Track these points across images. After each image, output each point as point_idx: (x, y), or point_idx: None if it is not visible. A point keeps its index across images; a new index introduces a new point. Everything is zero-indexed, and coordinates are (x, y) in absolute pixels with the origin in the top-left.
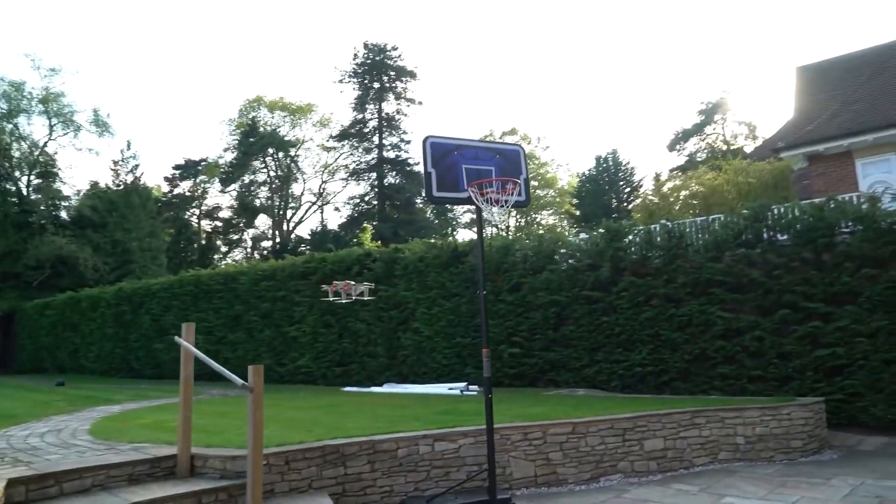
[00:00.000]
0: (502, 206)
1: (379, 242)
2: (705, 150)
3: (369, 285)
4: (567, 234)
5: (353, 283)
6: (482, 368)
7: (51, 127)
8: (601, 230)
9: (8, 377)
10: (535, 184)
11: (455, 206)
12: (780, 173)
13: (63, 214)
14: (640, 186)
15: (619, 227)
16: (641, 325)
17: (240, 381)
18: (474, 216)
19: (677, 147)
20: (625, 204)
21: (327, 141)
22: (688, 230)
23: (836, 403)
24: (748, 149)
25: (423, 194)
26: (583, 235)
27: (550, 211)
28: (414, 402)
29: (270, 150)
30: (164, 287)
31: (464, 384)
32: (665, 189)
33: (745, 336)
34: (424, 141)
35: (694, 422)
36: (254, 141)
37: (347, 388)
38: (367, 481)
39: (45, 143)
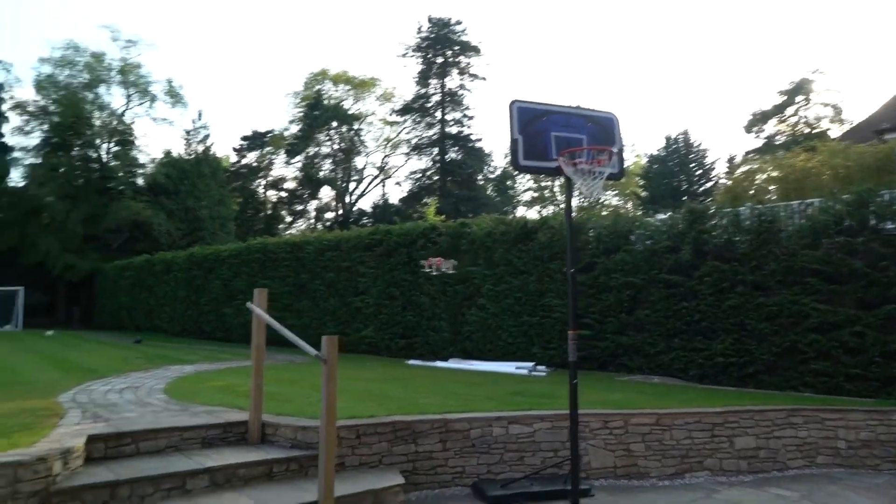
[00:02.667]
0: (595, 178)
1: (443, 217)
2: (786, 133)
3: (454, 262)
4: (634, 215)
5: (442, 259)
6: (549, 349)
7: (128, 97)
8: (683, 211)
9: (91, 332)
10: None
11: (516, 183)
12: (885, 156)
13: (139, 181)
14: (713, 169)
15: (703, 209)
16: (724, 312)
17: (313, 350)
18: (536, 194)
19: (755, 129)
20: (695, 187)
21: (390, 115)
22: (782, 214)
23: None
24: (833, 133)
25: (510, 160)
26: (660, 216)
27: (615, 192)
28: (483, 380)
29: (334, 123)
30: (232, 253)
31: (531, 364)
32: (740, 172)
33: (843, 331)
34: (511, 105)
35: (790, 421)
36: (318, 114)
37: (412, 362)
38: (438, 460)
39: (123, 112)
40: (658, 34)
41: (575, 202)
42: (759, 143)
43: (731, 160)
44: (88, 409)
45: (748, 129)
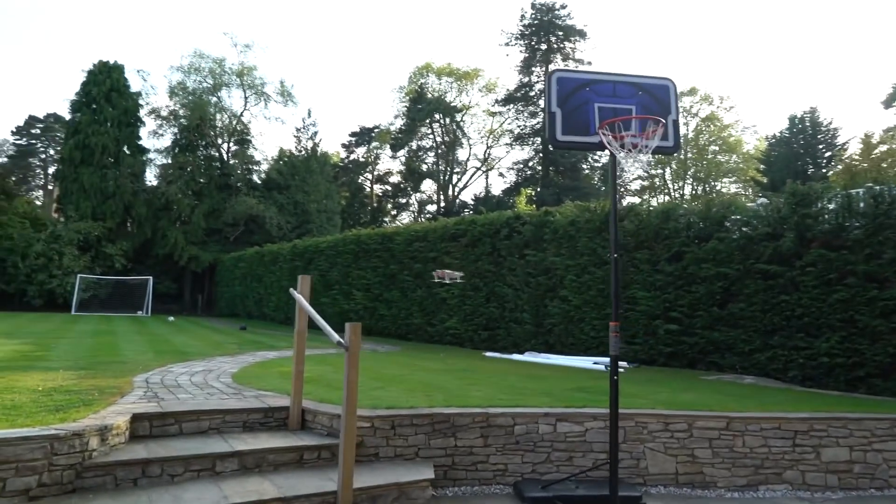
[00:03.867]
0: (642, 152)
1: (533, 206)
2: None
3: (460, 274)
4: (730, 199)
5: (448, 271)
6: (634, 343)
7: (245, 99)
8: (785, 193)
9: (210, 319)
10: (716, 148)
11: (625, 171)
12: None
13: (254, 178)
14: (845, 150)
15: (808, 191)
16: (831, 307)
17: (336, 337)
18: (645, 183)
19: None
20: (823, 170)
21: (493, 106)
22: None
23: None
24: None
25: (547, 136)
26: (761, 200)
27: (733, 178)
28: (552, 374)
29: (437, 116)
30: (329, 245)
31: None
32: (877, 153)
33: None
34: (549, 76)
35: (894, 432)
36: (421, 107)
37: (489, 354)
38: (479, 456)
39: (241, 113)
40: (780, 4)
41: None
42: None
43: (866, 139)
44: (153, 389)
45: (888, 103)
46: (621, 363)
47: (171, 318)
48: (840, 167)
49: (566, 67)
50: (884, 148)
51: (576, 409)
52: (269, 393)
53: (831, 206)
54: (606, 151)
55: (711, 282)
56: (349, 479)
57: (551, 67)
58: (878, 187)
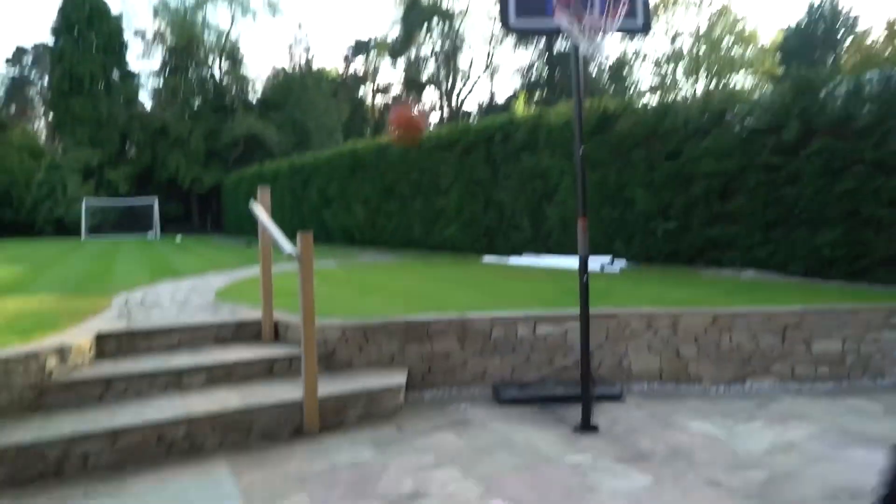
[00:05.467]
0: (604, 34)
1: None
2: None
3: None
4: (730, 90)
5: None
6: (631, 244)
7: (232, 16)
8: (789, 81)
9: (218, 237)
10: (730, 41)
11: (635, 70)
12: None
13: (250, 98)
14: (867, 37)
15: (814, 77)
16: (835, 198)
17: (287, 247)
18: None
19: None
20: (843, 62)
21: (493, 6)
22: None
23: None
24: None
25: (499, 19)
26: (766, 89)
27: (749, 71)
28: (543, 277)
29: (435, 22)
30: (326, 160)
31: (607, 259)
32: None
33: None
34: None
35: (890, 322)
36: (416, 13)
37: (486, 259)
38: (456, 361)
39: (229, 30)
40: None
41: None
42: None
43: (890, 25)
44: (130, 308)
45: None
46: (618, 261)
47: (179, 238)
48: (858, 56)
49: None
50: None
51: (556, 311)
52: (247, 307)
53: (840, 92)
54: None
55: (710, 178)
56: (313, 387)
57: None
58: (892, 71)
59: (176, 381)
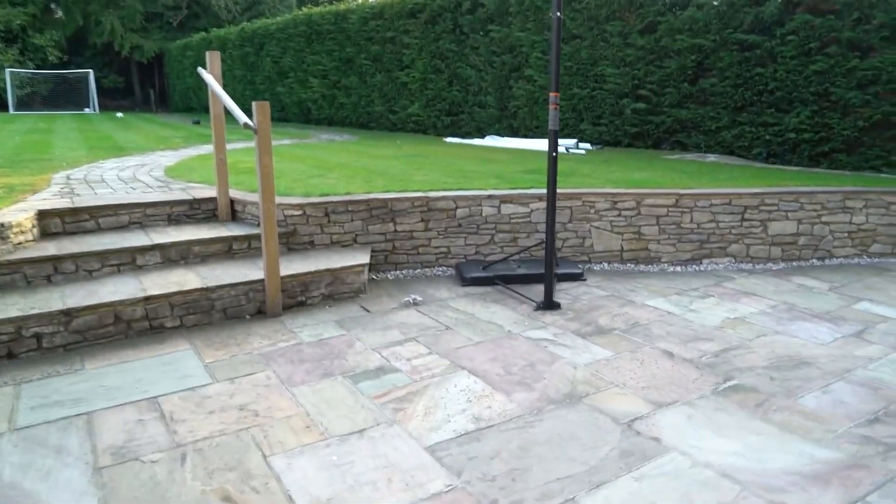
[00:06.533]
0: None
1: None
2: None
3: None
4: None
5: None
6: (599, 125)
7: None
8: None
9: (163, 115)
10: None
11: None
12: None
13: None
14: None
15: None
16: (807, 79)
17: (243, 118)
18: None
19: None
20: None
21: None
22: None
23: None
24: None
25: None
26: None
27: None
28: (508, 158)
29: None
30: (280, 27)
31: (573, 141)
32: None
33: None
34: None
35: (845, 205)
36: None
37: (449, 139)
38: (420, 240)
39: None
40: None
41: None
42: None
43: None
44: (72, 185)
45: None
46: (582, 144)
47: (120, 115)
48: None
49: None
50: None
51: (521, 191)
52: (200, 185)
53: None
54: None
55: (685, 55)
56: (274, 265)
57: None
58: None
59: (130, 260)
